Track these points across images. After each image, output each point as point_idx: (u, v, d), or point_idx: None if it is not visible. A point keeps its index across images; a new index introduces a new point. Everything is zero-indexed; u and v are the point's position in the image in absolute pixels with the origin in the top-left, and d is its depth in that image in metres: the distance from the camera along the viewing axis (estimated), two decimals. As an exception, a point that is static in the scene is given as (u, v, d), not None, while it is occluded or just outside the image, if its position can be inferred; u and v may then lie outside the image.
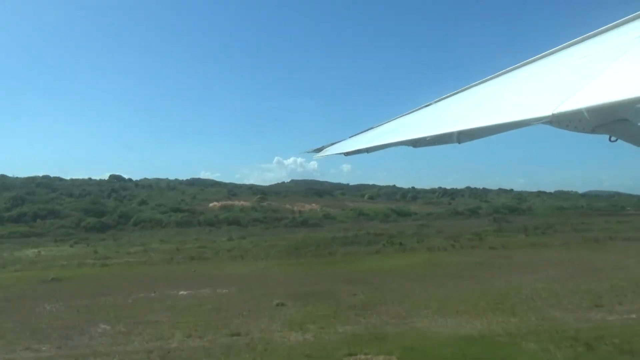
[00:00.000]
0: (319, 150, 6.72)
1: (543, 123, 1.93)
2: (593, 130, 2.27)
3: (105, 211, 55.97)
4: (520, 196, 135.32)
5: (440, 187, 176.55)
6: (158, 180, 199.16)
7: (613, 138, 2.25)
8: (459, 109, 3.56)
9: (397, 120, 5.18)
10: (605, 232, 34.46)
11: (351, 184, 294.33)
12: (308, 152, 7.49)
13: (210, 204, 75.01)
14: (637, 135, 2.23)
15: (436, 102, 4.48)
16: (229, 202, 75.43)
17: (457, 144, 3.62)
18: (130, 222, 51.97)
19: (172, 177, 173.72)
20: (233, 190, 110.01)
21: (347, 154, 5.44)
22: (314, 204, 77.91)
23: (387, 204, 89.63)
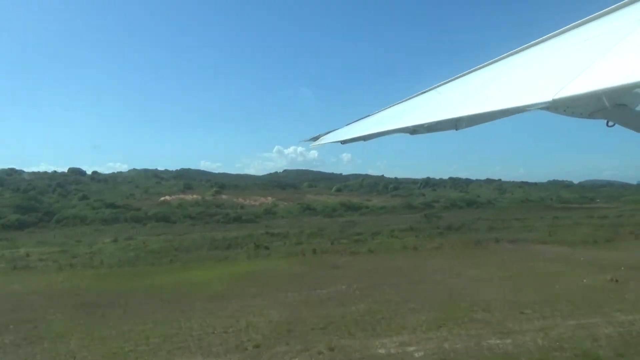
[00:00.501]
0: (315, 138, 6.71)
1: (541, 109, 1.93)
2: (591, 116, 2.31)
3: (36, 207, 54.53)
4: (502, 187, 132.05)
5: (427, 177, 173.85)
6: (140, 171, 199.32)
7: (610, 123, 2.29)
8: (457, 95, 3.54)
9: (395, 107, 5.08)
10: (513, 232, 31.92)
11: (344, 173, 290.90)
12: (305, 141, 7.48)
13: (162, 198, 73.41)
14: (634, 121, 2.27)
15: (434, 88, 4.37)
16: (181, 196, 73.67)
17: (455, 131, 3.66)
18: (53, 220, 50.41)
19: (172, 168, 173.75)
20: (199, 180, 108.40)
21: (344, 142, 5.35)
22: (270, 198, 75.86)
23: (353, 196, 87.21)
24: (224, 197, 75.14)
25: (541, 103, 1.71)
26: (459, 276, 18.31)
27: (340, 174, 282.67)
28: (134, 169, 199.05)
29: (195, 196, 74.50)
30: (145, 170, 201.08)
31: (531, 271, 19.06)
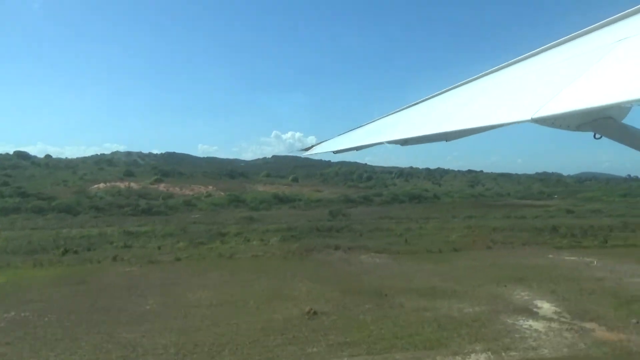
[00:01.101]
0: (308, 149, 6.93)
1: (528, 122, 1.99)
2: (578, 128, 2.40)
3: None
4: (477, 179, 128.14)
5: (410, 167, 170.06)
6: (122, 153, 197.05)
7: (597, 135, 2.35)
8: (443, 110, 3.69)
9: (385, 119, 5.31)
10: (378, 238, 28.58)
11: (333, 161, 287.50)
12: (299, 151, 7.75)
13: (96, 186, 70.57)
14: (620, 133, 2.33)
15: (422, 101, 4.60)
16: (117, 184, 70.79)
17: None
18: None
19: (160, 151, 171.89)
20: (167, 167, 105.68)
21: (336, 152, 5.52)
22: (211, 187, 72.73)
23: (309, 186, 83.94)
24: (161, 185, 72.17)
25: (521, 122, 1.77)
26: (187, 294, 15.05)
27: (329, 161, 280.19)
28: (117, 151, 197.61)
29: (131, 184, 71.62)
30: (128, 154, 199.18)
31: (254, 294, 15.74)
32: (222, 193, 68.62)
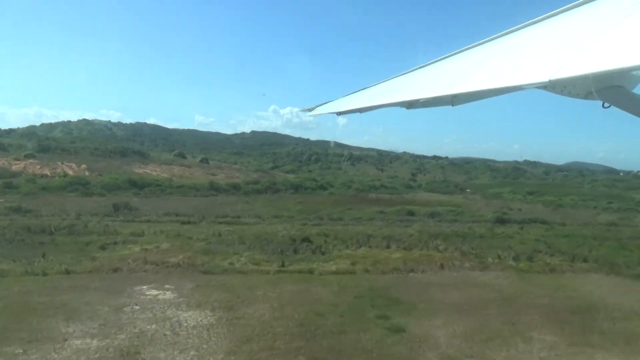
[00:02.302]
0: (311, 109, 6.75)
1: (537, 88, 1.96)
2: (587, 96, 2.32)
3: None
4: (422, 167, 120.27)
5: (375, 149, 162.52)
6: (82, 121, 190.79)
7: (606, 104, 2.28)
8: (455, 71, 3.53)
9: (392, 80, 5.10)
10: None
11: (312, 139, 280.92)
12: (301, 110, 7.68)
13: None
14: (630, 103, 2.28)
15: (432, 63, 4.38)
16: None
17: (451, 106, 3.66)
18: None
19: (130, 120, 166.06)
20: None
21: (340, 113, 5.39)
22: (83, 166, 66.37)
23: (213, 168, 77.19)
24: (27, 162, 65.91)
25: (538, 83, 1.73)
26: None
27: (308, 139, 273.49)
28: (84, 119, 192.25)
29: (3, 161, 65.59)
30: (98, 122, 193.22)
31: None
32: (88, 173, 62.33)
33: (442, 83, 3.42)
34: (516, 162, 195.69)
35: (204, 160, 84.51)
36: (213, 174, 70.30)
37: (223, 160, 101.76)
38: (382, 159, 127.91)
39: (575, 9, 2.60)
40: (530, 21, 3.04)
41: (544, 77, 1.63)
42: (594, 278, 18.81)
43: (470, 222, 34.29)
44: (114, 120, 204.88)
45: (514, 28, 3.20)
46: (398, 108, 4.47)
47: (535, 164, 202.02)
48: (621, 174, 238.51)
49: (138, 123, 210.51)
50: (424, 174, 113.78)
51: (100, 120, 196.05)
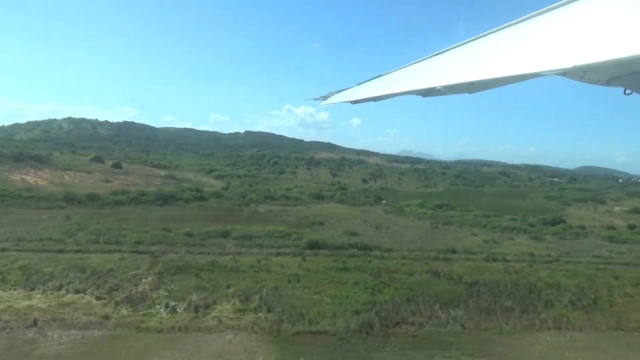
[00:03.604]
0: (325, 97, 6.63)
1: (558, 74, 1.94)
2: (608, 83, 2.28)
3: None
4: (380, 172, 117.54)
5: (342, 158, 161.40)
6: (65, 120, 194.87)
7: (628, 91, 2.26)
8: (472, 58, 3.48)
9: (407, 68, 5.00)
10: None
11: (306, 140, 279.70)
12: (315, 100, 7.44)
13: None
14: None
15: (448, 50, 4.33)
16: None
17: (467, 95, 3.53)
18: None
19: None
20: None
21: (355, 102, 5.17)
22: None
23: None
24: None
25: (561, 69, 1.66)
26: None
27: (302, 140, 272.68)
28: (70, 117, 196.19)
29: None
30: (81, 120, 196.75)
31: None
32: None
33: (459, 70, 3.35)
34: (513, 165, 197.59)
35: (116, 165, 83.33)
36: (107, 181, 68.26)
37: (170, 164, 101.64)
38: (343, 163, 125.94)
39: None
40: (549, 7, 3.00)
41: (568, 64, 1.58)
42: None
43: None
44: (100, 119, 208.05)
45: (532, 13, 3.15)
46: (415, 101, 4.59)
47: (537, 168, 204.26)
48: (620, 180, 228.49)
49: (125, 122, 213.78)
50: (375, 180, 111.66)
51: (89, 119, 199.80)
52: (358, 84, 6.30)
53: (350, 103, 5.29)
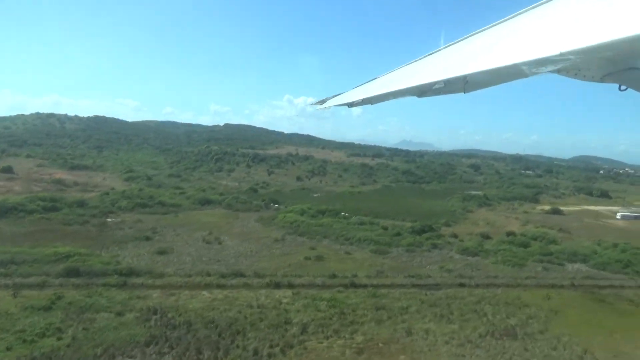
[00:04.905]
0: (322, 101, 6.79)
1: (551, 72, 1.95)
2: (602, 79, 2.28)
3: None
4: (322, 169, 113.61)
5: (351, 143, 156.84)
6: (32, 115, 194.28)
7: (623, 87, 2.24)
8: (465, 54, 3.51)
9: (402, 69, 5.08)
10: None
11: (286, 132, 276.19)
12: (312, 104, 7.56)
13: None
14: None
15: (441, 49, 4.38)
16: None
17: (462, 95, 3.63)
18: None
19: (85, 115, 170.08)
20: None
21: (351, 105, 5.35)
22: None
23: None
24: None
25: (549, 57, 1.74)
26: None
27: (282, 132, 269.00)
28: (37, 112, 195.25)
29: None
30: (49, 115, 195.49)
31: None
32: None
33: (453, 66, 3.39)
34: (503, 155, 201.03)
35: (6, 169, 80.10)
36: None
37: (93, 165, 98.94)
38: (287, 160, 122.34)
39: None
40: (534, 4, 3.05)
41: (555, 51, 1.67)
42: None
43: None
44: (69, 114, 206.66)
45: (521, 10, 3.20)
46: (411, 100, 4.37)
47: (522, 159, 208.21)
48: (601, 172, 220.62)
49: (96, 117, 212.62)
50: (310, 179, 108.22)
51: (57, 114, 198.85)
52: (354, 87, 6.37)
53: (347, 106, 5.44)
